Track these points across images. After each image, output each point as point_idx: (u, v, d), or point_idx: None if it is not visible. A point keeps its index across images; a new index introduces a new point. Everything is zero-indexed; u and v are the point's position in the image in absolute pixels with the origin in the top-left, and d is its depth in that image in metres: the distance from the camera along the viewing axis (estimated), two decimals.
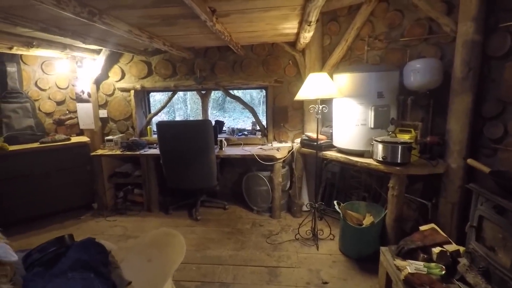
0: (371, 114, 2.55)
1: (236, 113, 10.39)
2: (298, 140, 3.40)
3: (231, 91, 3.91)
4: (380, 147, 2.40)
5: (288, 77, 3.64)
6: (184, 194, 3.77)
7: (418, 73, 2.49)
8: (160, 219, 3.50)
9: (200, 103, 4.09)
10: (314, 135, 3.08)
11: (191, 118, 8.81)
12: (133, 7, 1.87)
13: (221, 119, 7.28)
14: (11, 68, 3.38)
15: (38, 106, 3.70)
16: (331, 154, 2.92)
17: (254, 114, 3.94)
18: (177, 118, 8.57)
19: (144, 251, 1.51)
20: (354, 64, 3.19)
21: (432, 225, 2.13)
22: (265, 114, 3.95)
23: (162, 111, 4.52)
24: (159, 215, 3.60)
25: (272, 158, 3.24)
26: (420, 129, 2.53)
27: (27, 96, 3.55)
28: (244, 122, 9.60)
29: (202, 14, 1.81)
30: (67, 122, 3.81)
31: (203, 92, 4.00)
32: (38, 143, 3.37)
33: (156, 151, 3.54)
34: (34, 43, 2.78)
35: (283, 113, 3.73)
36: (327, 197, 3.49)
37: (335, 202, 2.76)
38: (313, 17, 2.00)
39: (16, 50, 3.01)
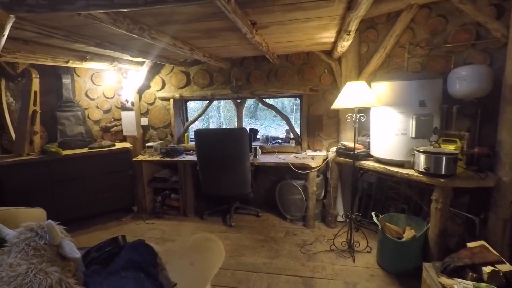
0: (412, 123, 2.46)
1: (268, 121, 10.47)
2: (333, 149, 3.36)
3: (265, 100, 3.97)
4: (422, 157, 2.30)
5: (323, 86, 3.62)
6: (218, 200, 3.85)
7: (464, 80, 2.37)
8: (195, 224, 3.60)
9: (233, 111, 4.18)
10: (350, 144, 3.02)
11: (224, 126, 9.01)
12: (178, 22, 1.99)
13: (253, 126, 7.37)
14: (66, 80, 3.71)
15: (88, 114, 4.00)
16: (368, 164, 2.84)
17: (288, 122, 3.96)
18: (211, 126, 8.82)
19: (187, 255, 1.57)
20: (393, 72, 3.10)
21: (482, 242, 2.00)
22: (297, 122, 3.96)
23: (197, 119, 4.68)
24: (194, 220, 3.71)
25: (306, 167, 3.22)
26: (467, 140, 2.40)
27: (79, 105, 3.86)
28: (276, 130, 9.63)
29: (243, 27, 1.88)
30: (112, 129, 4.08)
31: (238, 100, 4.10)
32: (87, 148, 3.63)
33: (192, 157, 3.67)
34: (87, 57, 3.04)
35: (318, 122, 3.71)
36: (363, 208, 3.39)
37: (372, 213, 2.68)
38: (353, 26, 2.00)
39: (71, 64, 3.30)
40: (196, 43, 2.67)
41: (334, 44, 2.93)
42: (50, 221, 1.04)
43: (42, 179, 3.29)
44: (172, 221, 3.69)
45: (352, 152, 2.81)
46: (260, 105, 10.39)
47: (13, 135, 3.32)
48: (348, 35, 2.19)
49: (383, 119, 2.67)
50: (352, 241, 2.81)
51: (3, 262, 0.97)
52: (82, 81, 3.96)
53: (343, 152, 3.07)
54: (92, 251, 1.22)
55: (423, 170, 2.30)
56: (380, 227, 2.54)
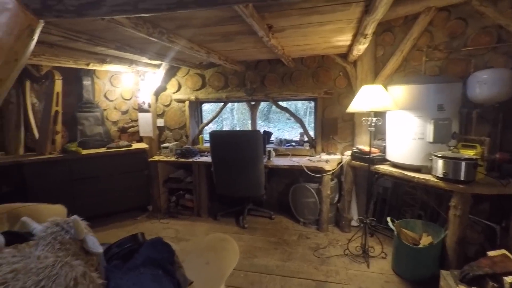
0: (430, 128, 2.42)
1: (281, 124, 10.47)
2: (348, 153, 3.34)
3: (279, 103, 3.98)
4: (440, 162, 2.26)
5: (338, 89, 3.61)
6: (231, 202, 3.88)
7: (485, 84, 2.32)
8: (208, 224, 3.64)
9: (247, 114, 4.22)
10: (365, 148, 3.00)
11: (238, 128, 9.06)
12: (196, 26, 2.04)
13: (267, 129, 7.39)
14: (86, 82, 3.83)
15: (106, 115, 4.12)
16: (384, 168, 2.81)
17: (303, 125, 3.96)
18: (225, 128, 8.89)
19: (202, 254, 1.60)
20: (410, 75, 3.06)
21: (503, 251, 1.93)
22: (311, 125, 3.95)
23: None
24: (207, 221, 3.74)
25: (320, 170, 3.21)
26: (488, 145, 2.34)
27: (98, 106, 3.97)
28: (289, 132, 9.62)
29: (260, 30, 1.90)
30: (129, 130, 4.18)
31: (253, 103, 4.13)
32: (105, 148, 3.74)
33: (207, 159, 3.72)
34: (107, 60, 3.13)
35: (333, 125, 3.69)
36: (378, 213, 3.34)
37: (388, 218, 2.64)
38: (370, 30, 1.99)
39: (92, 66, 3.41)
40: (212, 46, 2.72)
41: (350, 47, 2.92)
42: (75, 216, 1.08)
43: (63, 177, 3.40)
44: (186, 221, 3.74)
45: (368, 156, 2.79)
46: (273, 108, 10.43)
47: (36, 134, 3.46)
48: (364, 38, 2.19)
49: (399, 123, 2.64)
50: (366, 246, 2.77)
51: (31, 254, 1.01)
52: (101, 83, 4.08)
53: (358, 156, 3.04)
54: (113, 247, 1.26)
55: (441, 176, 2.25)
56: (396, 232, 2.50)
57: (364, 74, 3.27)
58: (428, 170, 2.44)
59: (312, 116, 9.18)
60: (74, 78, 3.75)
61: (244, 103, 4.29)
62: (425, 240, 2.43)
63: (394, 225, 2.54)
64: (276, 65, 3.79)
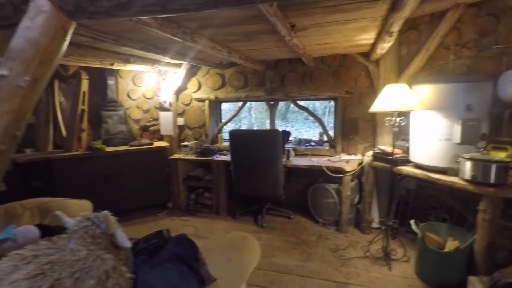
0: (457, 128, 2.33)
1: (299, 123, 10.40)
2: (369, 153, 3.27)
3: (298, 102, 3.96)
4: (468, 165, 2.17)
5: (359, 88, 3.54)
6: (250, 201, 3.89)
7: None
8: (227, 222, 3.67)
9: (264, 113, 4.22)
10: (388, 149, 2.93)
11: (255, 127, 9.08)
12: (219, 25, 2.05)
13: (284, 128, 7.35)
14: (110, 81, 3.95)
15: (129, 114, 4.23)
16: (407, 169, 2.73)
17: (322, 125, 3.91)
18: (243, 127, 8.93)
19: (224, 251, 1.61)
20: (436, 74, 2.96)
21: None
22: (330, 125, 3.90)
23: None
24: (226, 219, 3.77)
25: (341, 171, 3.17)
26: None
27: (121, 105, 4.09)
28: (307, 132, 9.54)
29: (283, 29, 1.90)
30: (151, 128, 4.27)
31: (272, 102, 4.12)
32: (128, 146, 3.84)
33: (226, 157, 3.75)
34: (131, 60, 3.21)
35: (353, 125, 3.62)
36: (400, 216, 3.25)
37: (411, 221, 2.56)
38: (396, 27, 1.94)
39: (116, 66, 3.51)
40: (234, 46, 2.73)
41: (373, 46, 2.86)
42: (106, 211, 1.12)
43: (88, 173, 3.52)
44: (205, 219, 3.79)
45: (390, 157, 2.72)
46: (291, 107, 10.38)
47: (64, 132, 3.60)
48: (390, 36, 2.13)
49: (425, 123, 2.56)
50: (388, 249, 2.71)
51: (65, 247, 1.06)
52: (125, 82, 4.19)
53: (380, 156, 2.97)
54: (140, 242, 1.29)
55: (469, 178, 2.16)
56: (419, 236, 2.43)
57: (387, 73, 3.19)
58: (454, 172, 2.36)
59: (331, 116, 9.08)
60: (98, 78, 3.86)
61: (262, 102, 4.29)
62: (451, 245, 2.34)
63: (418, 228, 2.47)
64: (296, 64, 3.76)
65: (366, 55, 3.32)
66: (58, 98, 3.63)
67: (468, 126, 2.32)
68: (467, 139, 2.33)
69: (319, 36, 2.44)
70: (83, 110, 3.53)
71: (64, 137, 3.58)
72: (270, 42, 2.55)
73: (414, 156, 2.73)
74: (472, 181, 2.15)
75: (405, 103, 2.41)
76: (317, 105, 9.95)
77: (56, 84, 3.57)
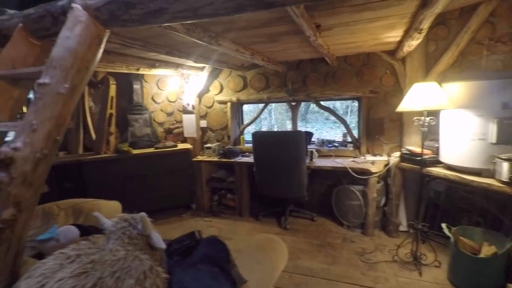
0: (493, 128, 2.22)
1: (319, 124, 10.29)
2: (396, 154, 3.18)
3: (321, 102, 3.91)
4: (506, 166, 2.07)
5: (384, 87, 3.45)
6: (272, 202, 3.88)
7: None
8: (250, 224, 3.68)
9: (285, 114, 4.20)
10: (416, 149, 2.84)
11: (275, 128, 9.06)
12: (244, 28, 2.07)
13: (304, 129, 7.29)
14: (136, 86, 4.07)
15: (153, 117, 4.34)
16: (437, 171, 2.64)
17: (346, 125, 3.84)
18: (263, 129, 8.94)
19: (253, 253, 1.62)
20: (467, 71, 2.84)
21: None
22: (352, 125, 3.83)
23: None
24: (249, 220, 3.79)
25: (366, 172, 3.10)
26: None
27: (146, 108, 4.20)
28: (327, 133, 9.42)
29: (308, 30, 1.88)
30: (175, 131, 4.37)
31: (293, 103, 4.10)
32: (153, 148, 3.94)
33: (248, 159, 3.76)
34: (156, 64, 3.30)
35: (378, 125, 3.54)
36: (429, 219, 3.13)
37: (443, 225, 2.47)
38: (426, 24, 1.88)
39: (141, 71, 3.61)
40: (257, 48, 2.74)
41: (400, 43, 2.78)
42: (143, 213, 1.15)
43: (115, 175, 3.64)
44: (228, 220, 3.82)
45: (419, 158, 2.63)
46: (311, 108, 10.28)
47: (93, 135, 3.74)
48: (419, 33, 2.07)
49: (456, 123, 2.46)
50: (418, 253, 2.62)
51: (105, 247, 1.10)
52: (149, 87, 4.30)
53: (408, 157, 2.88)
54: (173, 243, 1.32)
55: (507, 180, 2.06)
56: (452, 240, 2.33)
57: (414, 71, 3.10)
58: (490, 173, 2.25)
59: (352, 116, 8.91)
60: (124, 83, 3.99)
61: (283, 103, 4.27)
62: (487, 250, 2.23)
63: (451, 232, 2.37)
64: (318, 65, 3.72)
65: (392, 53, 3.23)
66: (88, 103, 3.78)
67: (504, 125, 2.20)
68: (504, 138, 2.22)
69: (344, 35, 2.41)
70: (111, 114, 3.65)
71: (93, 140, 3.72)
72: (294, 43, 2.54)
73: (445, 157, 2.63)
74: (510, 183, 2.04)
75: (435, 102, 2.32)
76: (337, 105, 9.80)
77: (86, 89, 3.72)
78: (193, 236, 1.37)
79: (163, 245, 1.14)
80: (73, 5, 1.34)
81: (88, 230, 1.63)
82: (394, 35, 2.52)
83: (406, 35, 2.35)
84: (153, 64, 3.29)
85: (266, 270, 1.54)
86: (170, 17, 1.23)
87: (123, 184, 3.69)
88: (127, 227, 1.15)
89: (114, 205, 2.69)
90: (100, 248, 1.10)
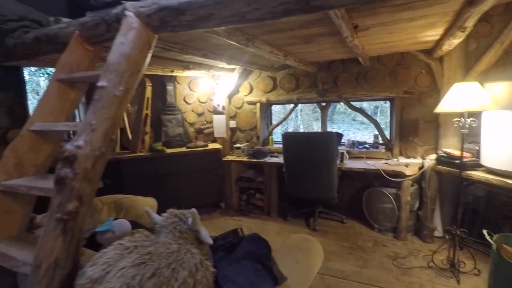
0: None
1: (345, 125, 10.12)
2: (432, 156, 3.08)
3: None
4: None
5: (419, 88, 3.35)
6: (300, 203, 3.88)
7: None
8: (279, 224, 3.70)
9: (311, 115, 4.19)
10: (455, 152, 2.74)
11: (302, 129, 9.02)
12: (281, 30, 2.10)
13: (331, 130, 7.19)
14: (169, 87, 4.22)
15: (185, 117, 4.47)
16: (478, 174, 2.53)
17: (378, 127, 3.77)
18: (289, 129, 8.93)
19: (290, 253, 1.64)
20: None
21: None
22: (382, 126, 3.75)
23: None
24: (277, 221, 3.81)
25: (400, 174, 3.02)
26: None
27: (179, 109, 4.34)
28: (354, 134, 9.24)
29: (346, 31, 1.88)
30: (205, 131, 4.48)
31: (323, 104, 4.08)
32: (185, 148, 4.06)
33: (277, 159, 3.79)
34: (190, 66, 3.40)
35: (413, 126, 3.44)
36: (467, 225, 3.01)
37: (484, 231, 2.36)
38: (472, 22, 1.82)
39: (175, 73, 3.74)
40: (291, 49, 2.76)
41: (438, 42, 2.69)
42: (194, 209, 1.21)
43: (150, 173, 3.79)
44: (256, 220, 3.86)
45: (458, 161, 2.54)
46: (337, 108, 10.13)
47: (130, 135, 3.92)
48: (462, 32, 2.00)
49: (500, 125, 2.34)
50: (455, 260, 2.52)
51: (158, 240, 1.17)
52: (181, 88, 4.44)
53: (446, 160, 2.79)
54: (218, 239, 1.38)
55: None
56: (494, 247, 2.22)
57: (453, 71, 2.98)
58: None
59: (381, 117, 8.68)
60: (158, 84, 4.15)
61: (310, 104, 4.25)
62: None
63: (493, 239, 2.27)
64: (350, 65, 3.68)
65: (428, 52, 3.13)
66: None
67: None
68: None
69: (381, 35, 2.37)
70: (146, 115, 3.82)
71: (130, 139, 3.90)
72: (328, 43, 2.54)
73: (487, 160, 2.51)
74: None
75: (478, 102, 2.23)
76: (364, 106, 9.59)
77: None
78: (236, 233, 1.43)
79: (210, 241, 1.20)
80: (127, 12, 1.44)
81: (133, 224, 1.73)
82: (433, 34, 2.44)
83: (447, 33, 2.28)
84: (187, 66, 3.40)
85: (303, 269, 1.56)
86: (218, 22, 1.29)
87: (156, 182, 3.83)
88: (178, 222, 1.21)
89: (151, 202, 2.82)
90: (154, 241, 1.17)
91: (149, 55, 1.53)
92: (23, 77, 3.40)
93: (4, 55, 2.09)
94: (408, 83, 3.40)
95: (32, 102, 7.15)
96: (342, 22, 1.71)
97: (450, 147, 3.04)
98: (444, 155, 2.83)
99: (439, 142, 3.23)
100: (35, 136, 1.56)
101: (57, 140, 1.68)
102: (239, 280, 1.17)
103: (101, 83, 1.34)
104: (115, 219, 2.17)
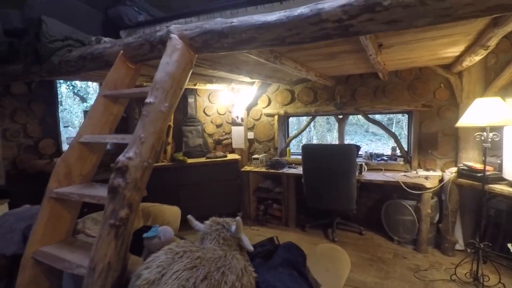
0: None
1: (358, 136, 10.11)
2: (452, 169, 3.10)
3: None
4: None
5: (438, 101, 3.40)
6: (318, 214, 3.91)
7: None
8: (297, 234, 3.74)
9: (325, 126, 4.24)
10: (476, 165, 2.76)
11: (315, 141, 9.08)
12: (307, 49, 2.20)
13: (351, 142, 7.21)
14: (190, 99, 4.37)
15: (204, 129, 4.60)
16: (501, 188, 2.54)
17: (396, 139, 3.81)
18: (303, 140, 9.00)
19: (320, 261, 1.70)
20: None
21: None
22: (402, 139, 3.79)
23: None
24: (295, 231, 3.85)
25: (420, 187, 3.05)
26: None
27: (199, 120, 4.48)
28: (368, 146, 9.23)
29: (372, 49, 1.97)
30: (223, 142, 4.59)
31: (340, 116, 4.15)
32: (205, 158, 4.18)
33: (295, 171, 3.85)
34: (213, 80, 3.54)
35: (431, 139, 3.47)
36: (489, 238, 2.99)
37: (509, 245, 2.37)
38: (494, 41, 1.89)
39: (197, 86, 3.89)
40: (313, 65, 2.87)
41: (458, 58, 2.75)
42: (239, 218, 1.29)
43: (171, 182, 3.91)
44: (274, 230, 3.91)
45: (480, 174, 2.56)
46: (349, 120, 10.13)
47: None
48: (485, 50, 2.07)
49: None
50: (479, 274, 2.52)
51: (205, 246, 1.26)
52: (201, 100, 4.59)
53: (467, 173, 2.81)
54: (257, 246, 1.45)
55: None
56: None
57: (472, 85, 3.03)
58: None
59: (395, 128, 8.67)
60: (181, 97, 4.29)
61: (324, 117, 4.32)
62: None
63: None
64: (368, 79, 3.76)
65: (447, 67, 3.19)
66: None
67: None
68: None
69: (403, 52, 2.46)
70: (169, 126, 3.96)
71: None
72: (351, 59, 2.63)
73: (510, 174, 2.53)
74: None
75: (500, 117, 2.27)
76: (377, 117, 9.59)
77: None
78: (273, 241, 1.50)
79: (251, 248, 1.28)
80: (172, 35, 1.57)
81: None
82: (454, 51, 2.51)
83: (469, 50, 2.35)
84: (210, 80, 3.54)
85: (333, 278, 1.61)
86: (259, 44, 1.40)
87: (177, 191, 3.94)
88: (221, 229, 1.30)
89: (175, 210, 2.93)
90: (200, 247, 1.26)
91: (190, 73, 1.65)
92: (56, 90, 3.61)
93: (48, 72, 2.26)
94: (427, 97, 3.45)
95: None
96: (369, 42, 1.81)
97: (470, 160, 3.06)
98: (466, 168, 2.85)
99: (459, 155, 3.25)
100: (82, 147, 1.69)
101: (101, 151, 1.80)
102: (278, 285, 1.24)
103: (149, 99, 1.47)
104: (146, 226, 2.28)
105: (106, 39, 2.15)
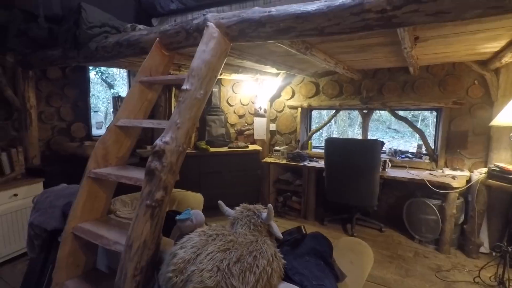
0: None
1: (380, 133, 9.88)
2: (481, 170, 3.00)
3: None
4: None
5: (471, 99, 3.27)
6: (337, 209, 3.89)
7: None
8: (316, 228, 3.74)
9: (347, 121, 4.17)
10: (508, 166, 2.66)
11: (335, 135, 8.97)
12: (339, 40, 2.17)
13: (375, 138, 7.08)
14: (215, 89, 4.42)
15: (227, 118, 4.65)
16: None
17: (423, 137, 3.71)
18: (323, 134, 8.89)
19: (344, 253, 1.71)
20: None
21: None
22: (416, 135, 3.69)
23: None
24: (314, 224, 3.86)
25: (446, 186, 2.98)
26: None
27: (222, 110, 4.53)
28: (390, 142, 9.01)
29: (408, 42, 1.92)
30: (245, 133, 4.62)
31: (365, 111, 4.08)
32: (227, 147, 4.23)
33: (316, 164, 3.84)
34: (239, 70, 3.56)
35: (461, 138, 3.36)
36: None
37: None
38: None
39: (223, 76, 3.92)
40: (342, 57, 2.83)
41: (497, 53, 2.63)
42: (270, 205, 1.32)
43: (193, 169, 3.99)
44: (293, 222, 3.93)
45: None
46: (372, 116, 9.91)
47: None
48: None
49: None
50: (505, 278, 2.45)
51: (236, 231, 1.30)
52: (225, 90, 4.62)
53: (499, 174, 2.71)
54: (285, 235, 1.48)
55: None
56: None
57: (510, 83, 2.90)
58: None
59: (420, 126, 8.41)
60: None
61: (346, 111, 4.25)
62: None
63: None
64: (396, 73, 3.66)
65: (484, 63, 3.06)
66: (174, 103, 4.20)
67: None
68: None
69: (438, 46, 2.37)
70: None
71: None
72: (382, 52, 2.58)
73: None
74: None
75: None
76: (401, 113, 9.31)
77: (173, 91, 4.15)
78: (300, 230, 1.52)
79: (280, 235, 1.31)
80: (208, 23, 1.59)
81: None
82: (493, 46, 2.40)
83: (510, 46, 2.24)
84: (237, 70, 3.55)
85: (358, 270, 1.62)
86: (297, 34, 1.40)
87: (199, 179, 4.02)
88: (252, 215, 1.33)
89: (198, 197, 3.01)
90: (231, 232, 1.30)
91: (224, 61, 1.68)
92: (89, 76, 3.74)
93: (85, 57, 2.35)
94: (459, 94, 3.33)
95: None
96: (406, 34, 1.76)
97: (502, 161, 2.95)
98: (497, 169, 2.75)
99: (490, 156, 3.14)
100: (119, 131, 1.76)
101: (135, 135, 1.87)
102: (305, 273, 1.27)
103: (185, 86, 1.50)
104: (172, 211, 2.34)
105: (141, 26, 2.21)
